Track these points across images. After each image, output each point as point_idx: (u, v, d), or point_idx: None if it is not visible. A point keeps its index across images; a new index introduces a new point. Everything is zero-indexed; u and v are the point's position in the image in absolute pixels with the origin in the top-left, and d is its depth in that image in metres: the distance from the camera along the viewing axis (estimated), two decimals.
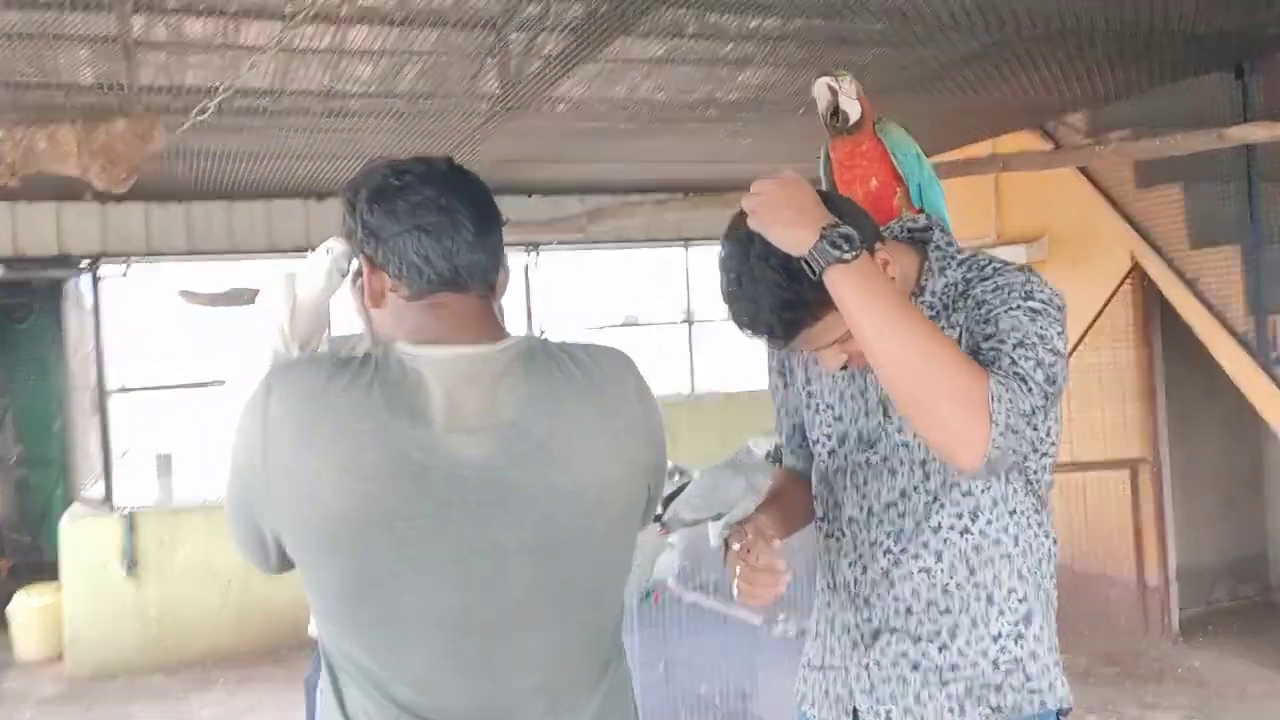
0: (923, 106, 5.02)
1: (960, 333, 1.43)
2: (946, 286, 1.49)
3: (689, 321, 7.50)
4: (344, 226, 1.32)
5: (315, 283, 1.85)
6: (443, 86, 4.25)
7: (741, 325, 1.42)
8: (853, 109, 1.62)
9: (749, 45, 4.08)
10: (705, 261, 7.43)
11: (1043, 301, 1.37)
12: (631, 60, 4.11)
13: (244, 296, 5.87)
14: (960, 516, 1.47)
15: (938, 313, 1.48)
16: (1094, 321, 5.37)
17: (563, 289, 7.18)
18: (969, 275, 1.47)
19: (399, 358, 1.19)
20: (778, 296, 1.35)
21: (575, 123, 4.91)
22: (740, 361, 7.76)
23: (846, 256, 1.26)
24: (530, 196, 6.87)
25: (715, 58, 4.24)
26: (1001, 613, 1.48)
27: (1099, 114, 5.49)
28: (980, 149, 5.91)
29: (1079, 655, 5.23)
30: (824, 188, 1.74)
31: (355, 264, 1.79)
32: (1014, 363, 1.30)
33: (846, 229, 1.28)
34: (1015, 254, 6.13)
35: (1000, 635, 1.48)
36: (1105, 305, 5.36)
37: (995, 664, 1.47)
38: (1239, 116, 4.63)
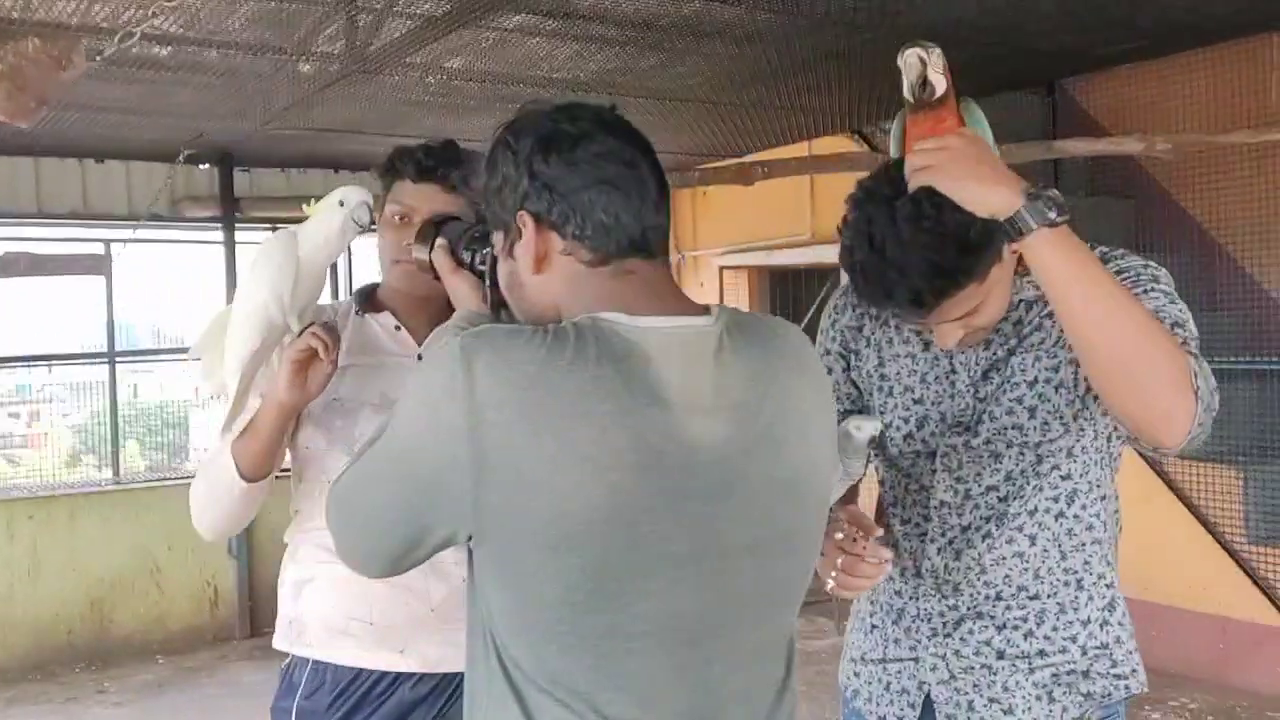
0: (750, 103, 5.15)
1: None
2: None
3: None
4: (487, 176, 1.13)
5: (324, 241, 1.60)
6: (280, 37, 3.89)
7: (875, 295, 1.35)
8: (939, 82, 1.58)
9: (607, 27, 3.99)
10: None
11: (1167, 284, 1.39)
12: (507, 30, 3.92)
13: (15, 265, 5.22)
14: (1057, 500, 1.46)
15: (1033, 302, 1.46)
16: None
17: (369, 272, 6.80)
18: None
19: (614, 329, 1.03)
20: (930, 262, 1.28)
21: (424, 96, 4.66)
22: None
23: (1059, 220, 1.21)
24: (338, 172, 6.48)
25: (586, 36, 4.12)
26: (1090, 598, 1.49)
27: None
28: (798, 149, 6.11)
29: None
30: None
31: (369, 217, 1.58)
32: (1184, 342, 1.29)
33: (1053, 190, 1.23)
34: (829, 253, 6.39)
35: (1089, 620, 1.48)
36: None
37: (1084, 650, 1.48)
38: (1049, 132, 5.04)
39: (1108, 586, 1.50)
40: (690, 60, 4.45)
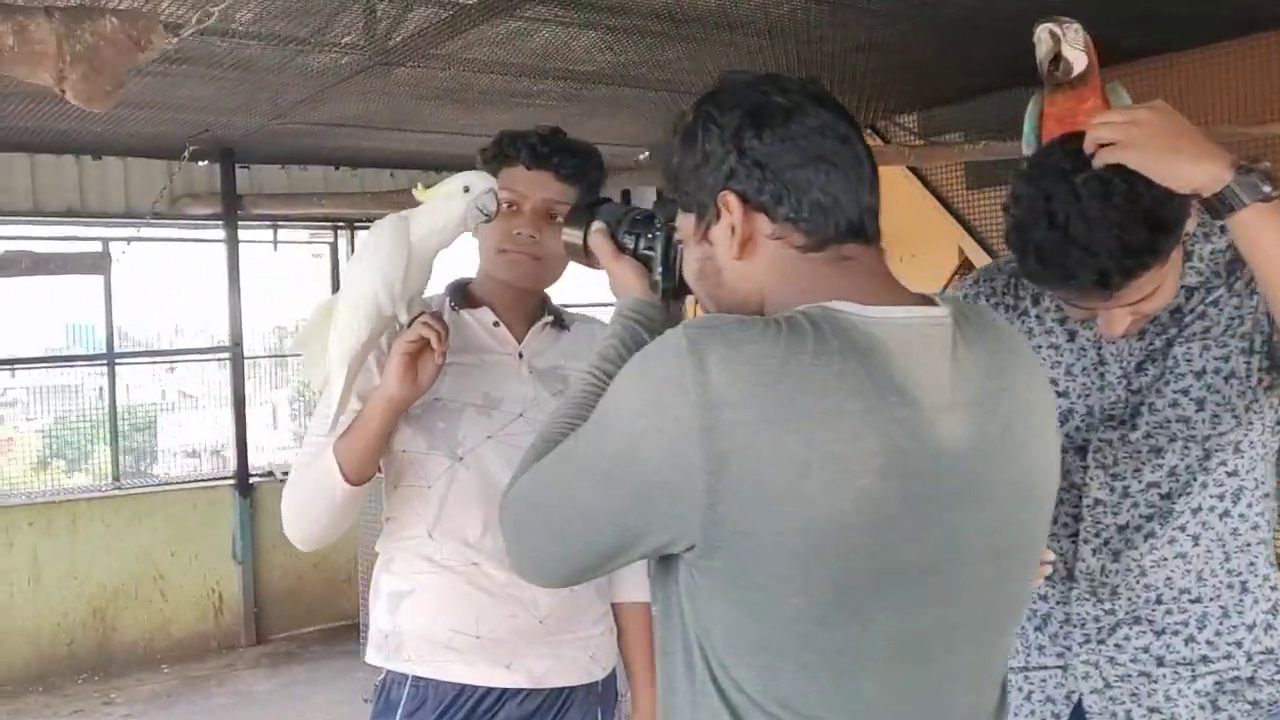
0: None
1: (1250, 299, 1.36)
2: (1214, 253, 1.40)
3: None
4: (681, 153, 1.04)
5: (441, 228, 1.50)
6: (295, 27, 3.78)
7: (1052, 277, 1.27)
8: (1078, 60, 1.51)
9: (629, 19, 3.90)
10: None
11: None
12: (529, 20, 3.82)
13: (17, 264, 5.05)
14: (1222, 498, 1.39)
15: (1208, 278, 1.40)
16: None
17: None
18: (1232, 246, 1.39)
19: (850, 320, 0.93)
20: (1120, 241, 1.21)
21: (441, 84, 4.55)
22: None
23: (1272, 194, 1.14)
24: (338, 169, 6.35)
25: (607, 26, 4.03)
26: (1255, 601, 1.42)
27: (930, 117, 5.74)
28: None
29: None
30: (1025, 143, 1.62)
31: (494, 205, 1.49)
32: None
33: (1264, 163, 1.16)
34: None
35: (1254, 625, 1.41)
36: None
37: (1249, 656, 1.41)
38: None
39: (1272, 589, 1.43)
40: (713, 53, 4.38)
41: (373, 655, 1.64)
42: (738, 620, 0.93)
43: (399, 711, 1.58)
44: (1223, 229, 1.37)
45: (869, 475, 0.89)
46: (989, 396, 0.97)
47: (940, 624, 0.96)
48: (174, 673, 5.31)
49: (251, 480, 5.78)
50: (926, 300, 1.01)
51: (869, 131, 5.97)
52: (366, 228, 6.48)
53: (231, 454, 5.92)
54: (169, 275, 6.03)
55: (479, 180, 1.46)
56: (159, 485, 5.89)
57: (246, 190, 5.93)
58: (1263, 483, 1.42)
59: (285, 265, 6.44)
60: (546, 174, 1.60)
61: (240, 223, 5.86)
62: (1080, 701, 1.45)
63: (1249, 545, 1.41)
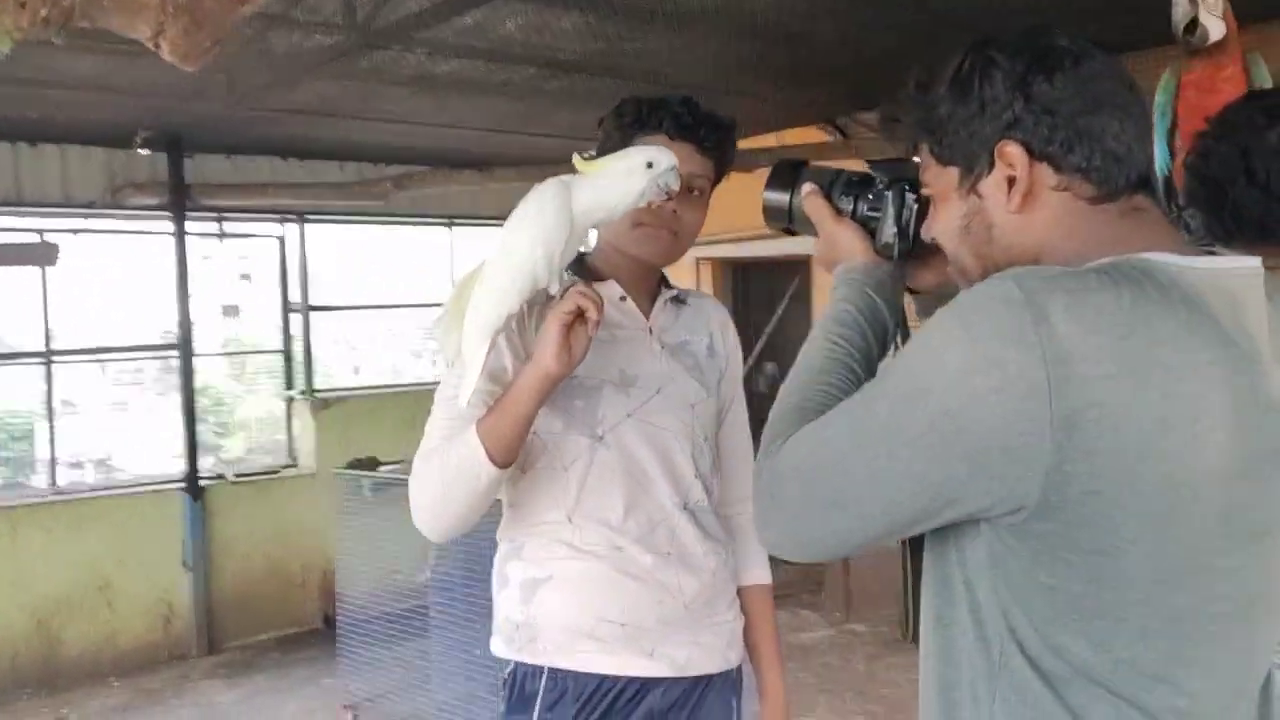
0: (737, 91, 5.09)
1: None
2: None
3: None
4: (952, 102, 0.99)
5: (615, 202, 1.42)
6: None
7: (1248, 232, 1.25)
8: (1215, 26, 1.52)
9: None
10: (469, 240, 7.03)
11: None
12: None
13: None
14: None
15: None
16: None
17: (319, 263, 6.46)
18: None
19: (1172, 271, 0.90)
20: None
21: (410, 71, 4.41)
22: None
23: None
24: (285, 159, 6.13)
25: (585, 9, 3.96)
26: None
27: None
28: (766, 140, 6.07)
29: (879, 625, 5.52)
30: (1159, 112, 1.62)
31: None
32: None
33: None
34: (804, 244, 6.37)
35: None
36: None
37: None
38: None
39: None
40: (692, 45, 4.36)
41: (501, 647, 1.56)
42: (1066, 585, 0.89)
43: (537, 705, 1.50)
44: None
45: (1222, 430, 0.87)
46: None
47: (1263, 590, 0.94)
48: (124, 685, 5.06)
49: (201, 483, 5.54)
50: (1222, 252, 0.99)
51: (828, 128, 6.02)
52: (320, 221, 6.33)
53: (180, 459, 5.67)
54: (108, 269, 5.70)
55: (663, 156, 1.39)
56: (104, 490, 5.59)
57: (191, 180, 5.69)
58: None
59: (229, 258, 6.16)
60: (689, 146, 1.54)
61: (188, 214, 5.61)
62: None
63: None
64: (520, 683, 1.53)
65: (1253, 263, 0.95)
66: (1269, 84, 1.62)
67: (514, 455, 1.44)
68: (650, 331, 1.59)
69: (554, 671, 1.50)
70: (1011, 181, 0.97)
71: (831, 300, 1.16)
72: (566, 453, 1.51)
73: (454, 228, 6.92)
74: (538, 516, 1.53)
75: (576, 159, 1.43)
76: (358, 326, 6.86)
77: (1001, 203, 0.98)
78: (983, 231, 1.01)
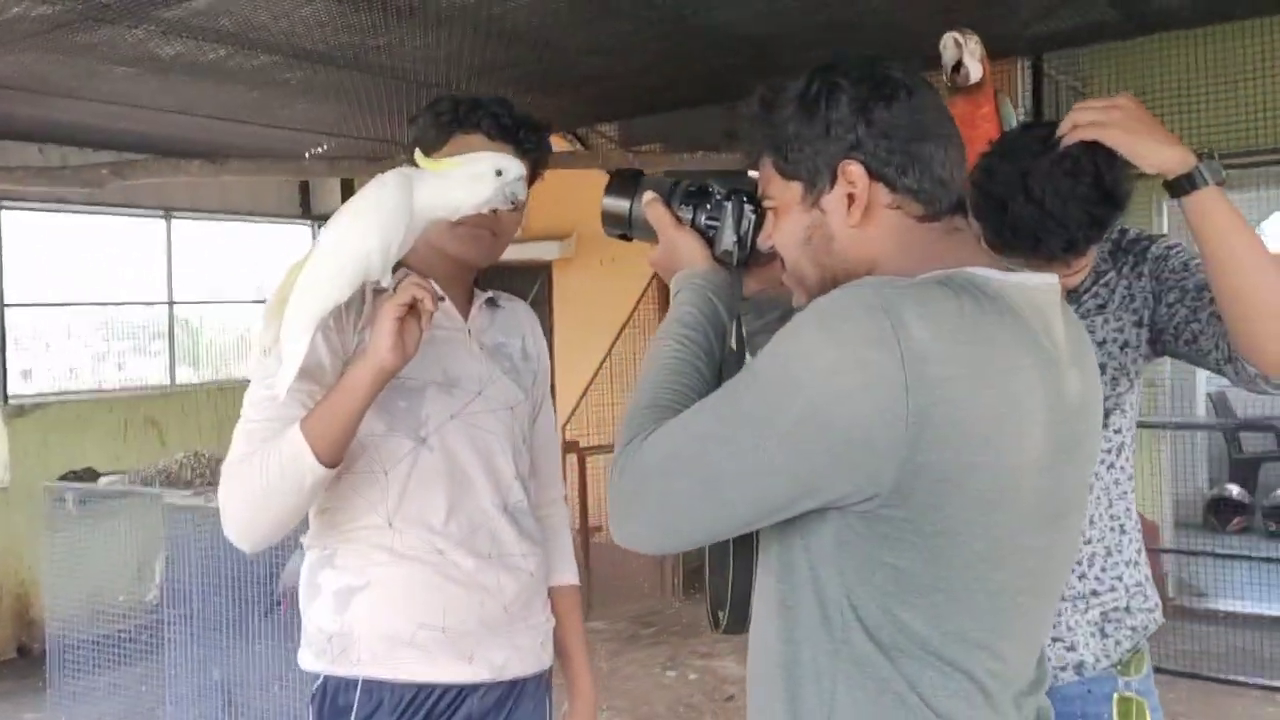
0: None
1: (1139, 281, 1.59)
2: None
3: (170, 303, 6.55)
4: (798, 122, 1.06)
5: (455, 205, 1.37)
6: None
7: (1022, 245, 1.40)
8: (974, 68, 1.70)
9: None
10: (189, 235, 6.57)
11: None
12: None
13: None
14: (1109, 451, 1.63)
15: (1098, 263, 1.61)
16: (630, 317, 5.87)
17: (16, 254, 5.81)
18: (1115, 242, 1.63)
19: (994, 285, 1.00)
20: (1089, 214, 1.38)
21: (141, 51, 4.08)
22: (240, 350, 7.04)
23: (1225, 178, 1.34)
24: None
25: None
26: (1131, 540, 1.67)
27: (629, 126, 6.00)
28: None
29: (618, 621, 5.68)
30: None
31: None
32: None
33: (1214, 151, 1.37)
34: (545, 250, 6.45)
35: (1130, 561, 1.66)
36: (638, 302, 5.88)
37: (1127, 588, 1.65)
38: None
39: (1137, 530, 1.70)
40: (443, 44, 4.31)
41: (310, 661, 1.49)
42: (910, 565, 0.98)
43: (352, 718, 1.45)
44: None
45: (1040, 425, 0.99)
46: (1080, 357, 1.09)
47: (1057, 566, 1.08)
48: None
49: None
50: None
51: (569, 137, 6.12)
52: (16, 208, 5.69)
53: None
54: None
55: (512, 165, 1.38)
56: None
57: None
58: (1132, 437, 1.68)
59: None
60: (508, 146, 1.53)
61: None
62: None
63: (1125, 493, 1.67)
64: (331, 696, 1.47)
65: (1051, 279, 1.09)
66: (1014, 122, 1.84)
67: (341, 455, 1.38)
68: (469, 333, 1.58)
69: (369, 682, 1.46)
70: (851, 198, 1.06)
71: (674, 303, 1.21)
72: (388, 455, 1.47)
73: (172, 220, 6.45)
74: (354, 521, 1.47)
75: (419, 156, 1.40)
76: (64, 325, 6.24)
77: (842, 217, 1.07)
78: (823, 243, 1.09)
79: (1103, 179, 1.39)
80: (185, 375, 6.61)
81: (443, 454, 1.49)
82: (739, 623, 1.29)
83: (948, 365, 0.94)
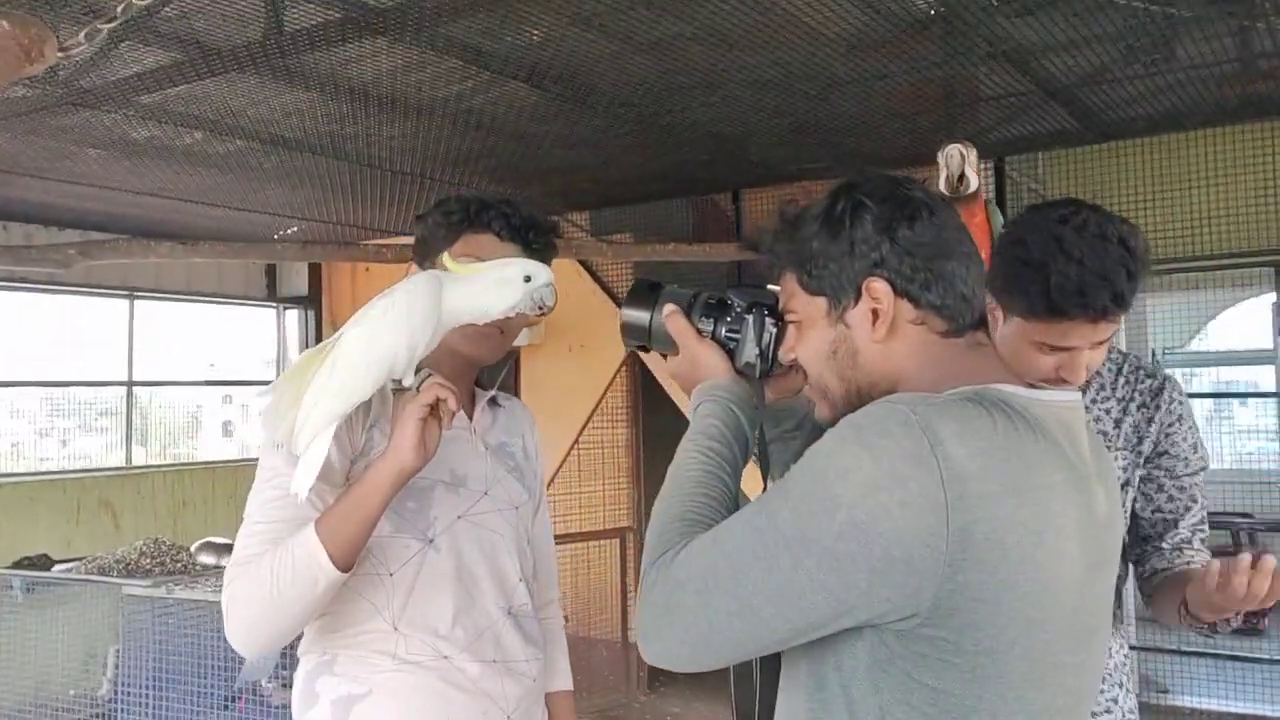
0: (442, 185, 5.15)
1: (1137, 457, 1.64)
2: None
3: (130, 383, 6.44)
4: (824, 240, 1.09)
5: (484, 309, 1.37)
6: None
7: (1068, 302, 1.41)
8: (974, 180, 1.76)
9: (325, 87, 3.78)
10: (152, 316, 6.50)
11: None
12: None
13: None
14: None
15: (1099, 376, 1.65)
16: (599, 404, 5.86)
17: None
18: (1120, 364, 1.68)
19: (1021, 401, 1.01)
20: (1126, 269, 1.41)
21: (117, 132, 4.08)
22: (190, 431, 6.93)
23: None
24: None
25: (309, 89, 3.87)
26: (1118, 666, 1.68)
27: (599, 216, 6.08)
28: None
29: (582, 716, 5.55)
30: None
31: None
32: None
33: None
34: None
35: (1122, 686, 1.68)
36: (607, 389, 5.88)
37: (1123, 712, 1.67)
38: (734, 235, 5.55)
39: (1122, 652, 1.69)
40: (422, 135, 4.37)
41: None
42: (949, 685, 0.97)
43: None
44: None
45: (1074, 541, 0.99)
46: (1105, 472, 1.10)
47: (1091, 685, 1.08)
48: None
49: None
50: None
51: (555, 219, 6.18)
52: None
53: None
54: None
55: (543, 272, 1.39)
56: None
57: None
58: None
59: None
60: (516, 247, 1.54)
61: None
62: None
63: (1114, 614, 1.64)
64: None
65: (1074, 396, 1.11)
66: (999, 224, 1.90)
67: (355, 557, 1.35)
68: (474, 431, 1.58)
69: None
70: (876, 314, 1.08)
71: (697, 416, 1.21)
72: (394, 556, 1.45)
73: (135, 300, 6.38)
74: (357, 626, 1.44)
75: (447, 259, 1.40)
76: (7, 402, 6.11)
77: (867, 332, 1.09)
78: (848, 357, 1.10)
79: (1128, 242, 1.43)
80: (137, 456, 6.48)
81: (450, 555, 1.47)
82: None
83: (986, 483, 0.94)
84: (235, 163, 4.72)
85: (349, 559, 1.33)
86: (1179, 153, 4.51)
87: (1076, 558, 1.00)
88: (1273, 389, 4.73)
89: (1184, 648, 4.88)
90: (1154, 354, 5.38)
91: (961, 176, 1.78)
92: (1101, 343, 1.49)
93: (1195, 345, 7.06)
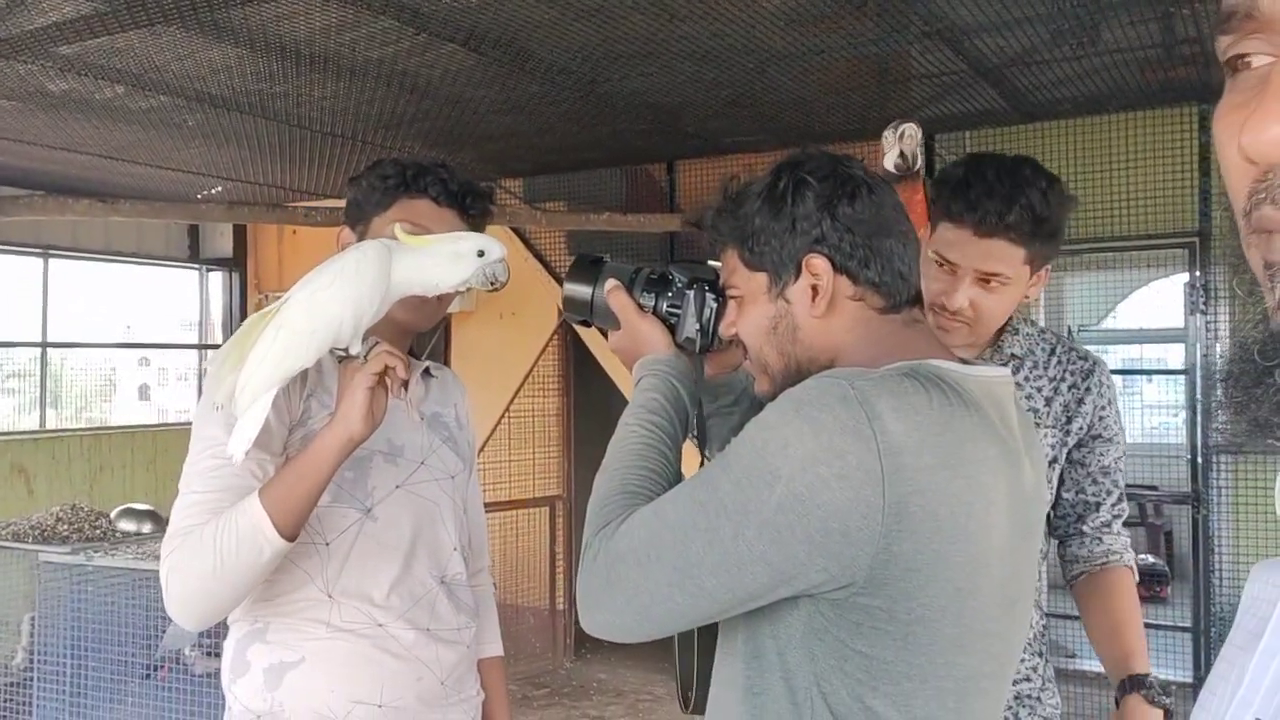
0: (372, 147, 5.07)
1: (1067, 437, 1.69)
2: (1027, 336, 1.71)
3: (44, 344, 6.24)
4: (766, 216, 1.10)
5: (434, 282, 1.35)
6: None
7: (993, 198, 1.52)
8: (918, 158, 1.80)
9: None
10: (67, 275, 6.30)
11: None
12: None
13: None
14: None
15: (1033, 354, 1.69)
16: (530, 372, 5.84)
17: None
18: (1054, 345, 1.73)
19: (955, 377, 1.03)
20: (1043, 195, 1.54)
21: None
22: (105, 394, 6.75)
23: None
24: None
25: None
26: (1037, 636, 1.73)
27: (533, 183, 6.04)
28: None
29: (509, 683, 5.57)
30: None
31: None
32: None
33: None
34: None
35: (1040, 655, 1.74)
36: (539, 357, 5.87)
37: (1043, 679, 1.72)
38: (667, 206, 5.56)
39: (1041, 624, 1.75)
40: (357, 96, 4.29)
41: None
42: (882, 652, 1.00)
43: None
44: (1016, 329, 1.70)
45: (1004, 513, 1.03)
46: (1032, 446, 1.14)
47: (1014, 651, 1.12)
48: None
49: None
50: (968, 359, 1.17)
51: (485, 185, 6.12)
52: None
53: None
54: None
55: (496, 247, 1.37)
56: None
57: None
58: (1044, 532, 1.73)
59: None
60: (453, 212, 1.54)
61: None
62: None
63: (1035, 587, 1.71)
64: None
65: (1004, 372, 1.14)
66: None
67: (300, 527, 1.34)
68: (410, 402, 1.57)
69: None
70: (816, 290, 1.10)
71: (638, 390, 1.22)
72: (330, 526, 1.44)
73: (49, 259, 6.18)
74: (290, 594, 1.43)
75: (398, 230, 1.38)
76: None
77: (807, 307, 1.11)
78: (788, 332, 1.12)
79: (1044, 186, 1.55)
80: (50, 419, 6.29)
81: (386, 524, 1.47)
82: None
83: (922, 457, 0.96)
84: (158, 119, 4.59)
85: (294, 528, 1.32)
86: (1101, 135, 4.62)
87: (1005, 529, 1.03)
88: (1181, 366, 4.90)
89: None
90: (1070, 330, 5.54)
91: (902, 154, 1.82)
92: (989, 279, 1.54)
93: (1108, 324, 7.29)
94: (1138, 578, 1.74)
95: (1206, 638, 4.57)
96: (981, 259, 1.53)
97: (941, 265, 1.57)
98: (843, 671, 1.01)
